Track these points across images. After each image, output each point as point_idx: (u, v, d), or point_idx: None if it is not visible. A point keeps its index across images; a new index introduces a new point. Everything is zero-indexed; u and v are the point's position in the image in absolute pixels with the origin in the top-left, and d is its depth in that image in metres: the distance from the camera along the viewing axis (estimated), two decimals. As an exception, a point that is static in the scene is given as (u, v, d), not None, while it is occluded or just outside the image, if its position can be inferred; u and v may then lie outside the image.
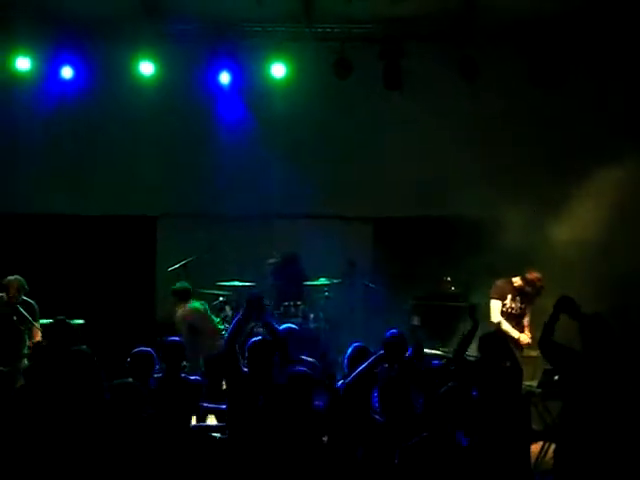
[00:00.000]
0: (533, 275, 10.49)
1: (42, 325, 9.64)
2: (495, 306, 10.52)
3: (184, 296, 10.97)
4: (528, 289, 10.50)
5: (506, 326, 10.37)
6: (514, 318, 10.55)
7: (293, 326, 8.53)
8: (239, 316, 7.90)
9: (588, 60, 12.30)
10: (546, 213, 11.39)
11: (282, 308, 12.08)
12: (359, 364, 7.40)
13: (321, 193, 13.13)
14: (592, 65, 12.29)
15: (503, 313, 10.50)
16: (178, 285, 11.17)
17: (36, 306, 9.89)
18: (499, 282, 10.67)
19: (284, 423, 6.60)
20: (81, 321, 10.72)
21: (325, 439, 6.82)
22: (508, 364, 7.42)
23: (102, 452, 6.00)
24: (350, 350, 7.79)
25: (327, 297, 12.44)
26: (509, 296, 10.59)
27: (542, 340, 7.00)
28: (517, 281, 10.61)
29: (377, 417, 6.97)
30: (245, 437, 6.99)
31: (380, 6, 10.83)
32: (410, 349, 7.63)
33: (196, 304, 10.97)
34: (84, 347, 7.10)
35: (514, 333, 10.35)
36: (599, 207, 11.13)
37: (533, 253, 10.94)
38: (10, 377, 7.03)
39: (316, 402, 6.87)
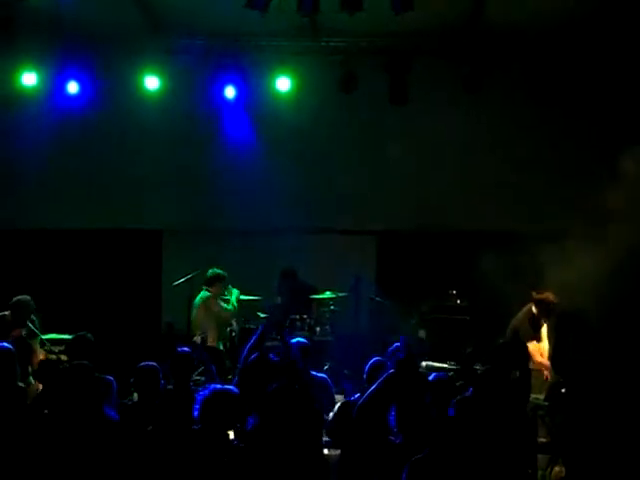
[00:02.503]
0: (544, 295, 10.14)
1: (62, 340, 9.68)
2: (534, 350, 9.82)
3: (209, 282, 11.52)
4: (542, 311, 10.08)
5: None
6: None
7: (303, 340, 8.46)
8: (260, 332, 7.83)
9: (593, 71, 12.26)
10: (552, 227, 11.22)
11: (288, 322, 12.07)
12: (377, 379, 7.24)
13: (326, 207, 13.15)
14: (598, 76, 12.24)
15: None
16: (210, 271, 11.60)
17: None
18: (524, 332, 10.11)
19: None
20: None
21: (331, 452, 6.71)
22: (517, 374, 7.35)
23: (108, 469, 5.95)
24: (369, 365, 7.61)
25: (333, 310, 12.43)
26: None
27: (554, 355, 7.00)
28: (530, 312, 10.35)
29: (393, 438, 6.79)
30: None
31: (385, 20, 10.81)
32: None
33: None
34: (85, 361, 7.07)
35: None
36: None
37: (542, 268, 10.74)
38: (24, 393, 7.01)
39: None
